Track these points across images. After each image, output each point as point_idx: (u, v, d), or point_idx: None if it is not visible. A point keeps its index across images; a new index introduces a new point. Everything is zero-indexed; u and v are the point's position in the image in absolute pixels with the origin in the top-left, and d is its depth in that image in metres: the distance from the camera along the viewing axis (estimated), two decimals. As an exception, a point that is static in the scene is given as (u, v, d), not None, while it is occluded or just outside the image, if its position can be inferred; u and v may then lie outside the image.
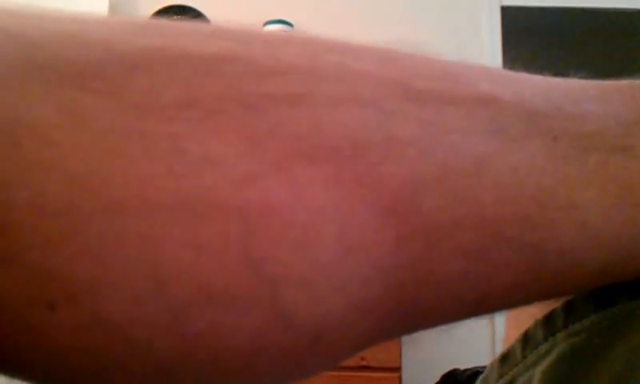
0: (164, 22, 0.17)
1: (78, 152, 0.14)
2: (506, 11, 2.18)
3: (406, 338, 1.63)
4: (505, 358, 0.24)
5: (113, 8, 2.00)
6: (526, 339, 0.23)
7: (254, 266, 0.15)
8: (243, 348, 0.15)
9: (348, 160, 0.16)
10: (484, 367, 0.25)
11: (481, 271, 0.17)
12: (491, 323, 1.94)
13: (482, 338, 1.93)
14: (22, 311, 0.14)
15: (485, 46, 2.12)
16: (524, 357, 0.23)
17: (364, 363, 1.54)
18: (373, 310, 0.16)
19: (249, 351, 0.15)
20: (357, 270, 0.16)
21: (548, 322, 0.22)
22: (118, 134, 0.14)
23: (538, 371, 0.22)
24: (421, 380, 1.76)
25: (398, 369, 1.57)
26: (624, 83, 0.21)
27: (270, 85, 0.16)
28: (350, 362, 1.54)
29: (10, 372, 0.15)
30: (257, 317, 0.15)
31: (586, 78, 0.21)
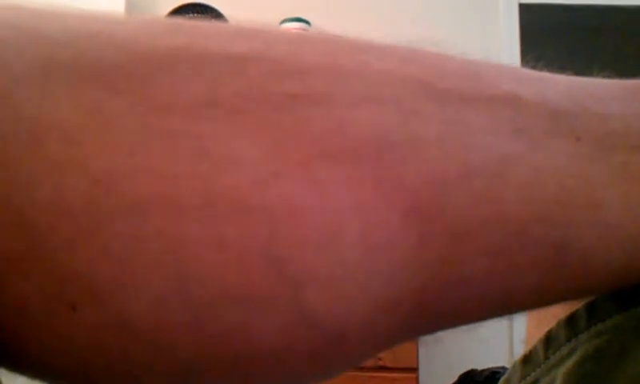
0: (186, 21, 0.17)
1: (100, 152, 0.14)
2: (524, 9, 2.16)
3: (423, 338, 1.63)
4: (527, 359, 0.24)
5: (130, 6, 2.01)
6: (549, 340, 0.23)
7: (277, 266, 0.15)
8: (267, 348, 0.15)
9: (371, 160, 0.16)
10: (501, 368, 0.25)
11: (504, 271, 0.17)
12: (510, 323, 1.93)
13: (500, 339, 1.92)
14: (44, 311, 0.14)
15: (503, 44, 2.11)
16: (546, 358, 0.23)
17: (381, 363, 1.53)
18: (396, 310, 0.16)
19: (273, 352, 0.15)
20: (380, 270, 0.16)
21: (571, 322, 0.22)
22: (141, 134, 0.14)
23: (561, 373, 0.21)
24: (437, 380, 1.75)
25: (414, 369, 1.56)
26: None
27: (293, 84, 0.16)
28: (367, 362, 1.53)
29: (32, 373, 0.15)
30: (280, 317, 0.15)
31: (608, 76, 0.21)
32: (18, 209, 0.13)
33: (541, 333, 0.24)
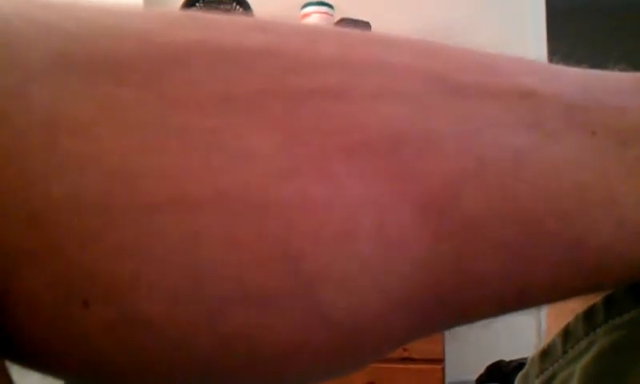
0: (202, 14, 0.17)
1: (115, 147, 0.14)
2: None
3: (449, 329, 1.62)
4: (545, 354, 0.24)
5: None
6: (567, 334, 0.23)
7: (292, 263, 0.15)
8: (282, 346, 0.15)
9: (386, 154, 0.16)
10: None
11: (520, 267, 0.17)
12: (538, 314, 1.91)
13: (528, 329, 1.90)
14: (56, 308, 0.14)
15: (528, 28, 2.07)
16: (564, 352, 0.23)
17: (406, 354, 1.53)
18: (411, 307, 0.16)
19: (288, 349, 0.15)
20: (395, 266, 0.16)
21: (589, 316, 0.22)
22: (156, 129, 0.14)
23: (579, 367, 0.21)
24: (464, 372, 1.74)
25: (441, 360, 1.56)
26: None
27: (308, 79, 0.16)
28: (393, 353, 1.53)
29: (44, 369, 0.15)
30: (295, 314, 0.15)
31: (625, 70, 0.21)
32: (32, 204, 0.13)
33: (559, 326, 0.24)
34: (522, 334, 1.95)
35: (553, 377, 0.23)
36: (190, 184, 0.14)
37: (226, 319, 0.14)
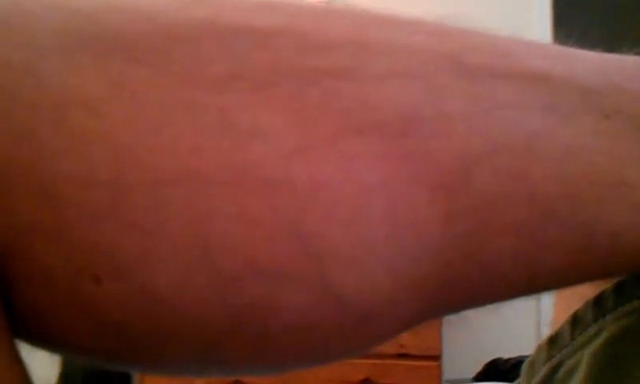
0: None
1: (125, 124, 0.14)
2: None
3: (446, 326, 1.61)
4: (553, 340, 0.24)
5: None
6: (575, 321, 0.23)
7: (303, 241, 0.15)
8: (293, 323, 0.15)
9: (397, 135, 0.16)
10: (527, 357, 0.25)
11: (530, 250, 0.17)
12: (536, 311, 1.91)
13: (527, 327, 1.90)
14: (68, 284, 0.14)
15: (534, 21, 2.07)
16: (573, 339, 0.23)
17: (403, 351, 1.53)
18: (421, 289, 0.16)
19: (297, 326, 0.15)
20: (405, 248, 0.16)
21: (598, 303, 0.22)
22: (166, 106, 0.14)
23: (587, 354, 0.21)
24: (461, 368, 1.74)
25: (438, 357, 1.56)
26: None
27: (319, 59, 0.16)
28: (390, 349, 1.53)
29: (54, 347, 0.15)
30: (306, 293, 0.15)
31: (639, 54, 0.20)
32: (43, 181, 0.13)
33: (567, 314, 0.24)
34: (520, 332, 1.95)
35: (561, 363, 0.23)
36: (200, 161, 0.14)
37: (238, 293, 0.15)
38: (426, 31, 0.18)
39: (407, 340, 1.53)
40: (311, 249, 0.15)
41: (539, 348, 0.25)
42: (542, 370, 0.24)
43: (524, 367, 0.26)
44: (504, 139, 0.16)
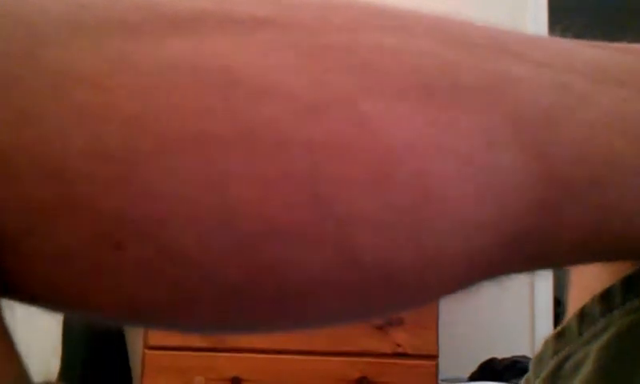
0: None
1: (130, 94, 0.14)
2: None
3: (442, 326, 1.62)
4: (560, 335, 0.24)
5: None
6: (583, 315, 0.23)
7: (321, 203, 0.14)
8: (310, 283, 0.15)
9: (419, 99, 0.15)
10: (522, 357, 0.25)
11: (547, 227, 0.17)
12: (531, 312, 1.91)
13: (520, 328, 1.90)
14: (88, 255, 0.14)
15: (529, 26, 2.07)
16: (580, 333, 0.23)
17: (400, 350, 1.53)
18: (443, 266, 0.16)
19: (316, 286, 0.15)
20: (430, 221, 0.15)
21: (606, 298, 0.22)
22: (168, 72, 0.14)
23: (594, 348, 0.21)
24: (457, 368, 1.74)
25: (434, 356, 1.56)
26: None
27: (323, 38, 0.16)
28: (386, 348, 1.53)
29: (80, 314, 0.16)
30: (325, 254, 0.15)
31: None
32: (52, 160, 0.14)
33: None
34: (515, 333, 1.95)
35: (567, 358, 0.23)
36: (208, 123, 0.14)
37: (256, 253, 0.15)
38: (433, 18, 0.18)
39: (404, 339, 1.53)
40: (332, 212, 0.15)
41: (546, 343, 0.25)
42: (549, 364, 0.24)
43: (531, 363, 0.26)
44: (524, 114, 0.16)
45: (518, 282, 1.94)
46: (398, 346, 1.53)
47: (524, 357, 1.63)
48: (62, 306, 0.15)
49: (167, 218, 0.14)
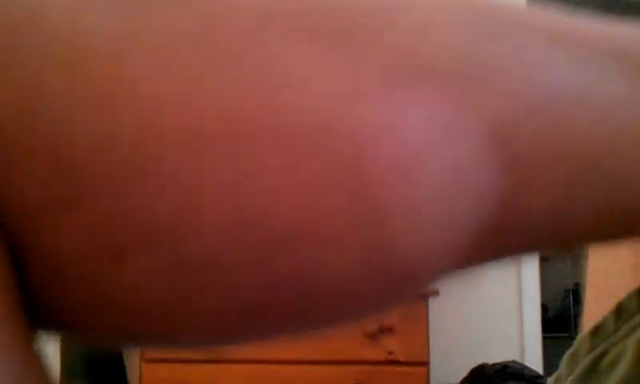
0: None
1: (149, 79, 0.12)
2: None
3: (433, 333, 1.63)
4: (596, 331, 0.24)
5: None
6: (619, 311, 0.23)
7: (359, 197, 0.13)
8: (334, 287, 0.14)
9: (449, 83, 0.15)
10: (512, 362, 0.27)
11: (568, 205, 0.17)
12: (519, 318, 1.93)
13: (510, 334, 1.92)
14: (87, 263, 0.12)
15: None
16: (617, 329, 0.23)
17: (392, 357, 1.55)
18: (466, 242, 0.16)
19: (342, 289, 0.14)
20: (461, 200, 0.15)
21: None
22: (191, 56, 0.13)
23: (632, 341, 0.22)
24: (448, 374, 1.76)
25: (426, 363, 1.57)
26: None
27: (347, 21, 0.15)
28: (379, 356, 1.54)
29: (74, 333, 0.14)
30: (354, 251, 0.14)
31: None
32: (56, 147, 0.12)
33: (600, 308, 0.24)
34: (504, 339, 1.97)
35: (604, 353, 0.23)
36: (236, 113, 0.13)
37: (279, 257, 0.13)
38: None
39: (396, 347, 1.54)
40: (368, 204, 0.14)
41: (581, 340, 0.25)
42: (585, 361, 0.24)
43: (564, 360, 0.26)
44: (554, 88, 0.16)
45: (506, 289, 1.95)
46: (390, 353, 1.54)
47: (514, 361, 1.65)
48: (63, 329, 0.14)
49: (179, 221, 0.12)
